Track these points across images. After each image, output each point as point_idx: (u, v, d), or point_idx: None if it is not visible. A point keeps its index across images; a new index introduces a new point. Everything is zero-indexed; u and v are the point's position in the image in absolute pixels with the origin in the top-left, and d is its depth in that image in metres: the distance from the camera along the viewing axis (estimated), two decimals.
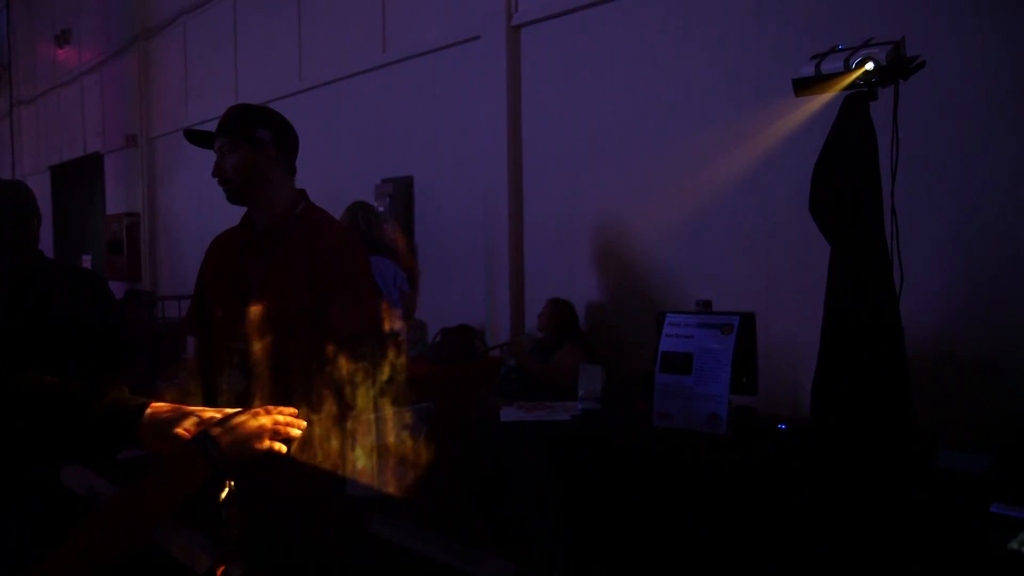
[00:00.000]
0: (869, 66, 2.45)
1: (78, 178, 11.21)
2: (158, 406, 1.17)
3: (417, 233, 5.67)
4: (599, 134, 4.46)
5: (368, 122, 6.05)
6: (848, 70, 2.46)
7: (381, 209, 5.73)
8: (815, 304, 2.80)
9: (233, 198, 2.16)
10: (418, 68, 5.60)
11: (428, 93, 5.55)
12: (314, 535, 1.48)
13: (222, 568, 1.20)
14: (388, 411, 1.47)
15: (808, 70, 2.58)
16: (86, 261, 10.50)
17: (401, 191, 5.68)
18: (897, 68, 2.45)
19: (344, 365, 1.50)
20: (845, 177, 2.57)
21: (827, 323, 2.65)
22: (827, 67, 2.55)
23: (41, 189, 11.71)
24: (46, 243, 10.85)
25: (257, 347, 1.75)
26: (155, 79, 9.19)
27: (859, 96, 2.52)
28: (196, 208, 8.08)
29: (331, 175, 5.98)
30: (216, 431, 1.10)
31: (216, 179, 2.14)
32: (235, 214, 2.25)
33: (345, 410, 1.48)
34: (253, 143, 2.08)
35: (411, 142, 5.70)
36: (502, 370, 4.38)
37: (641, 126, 4.22)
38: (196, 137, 2.19)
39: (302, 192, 2.21)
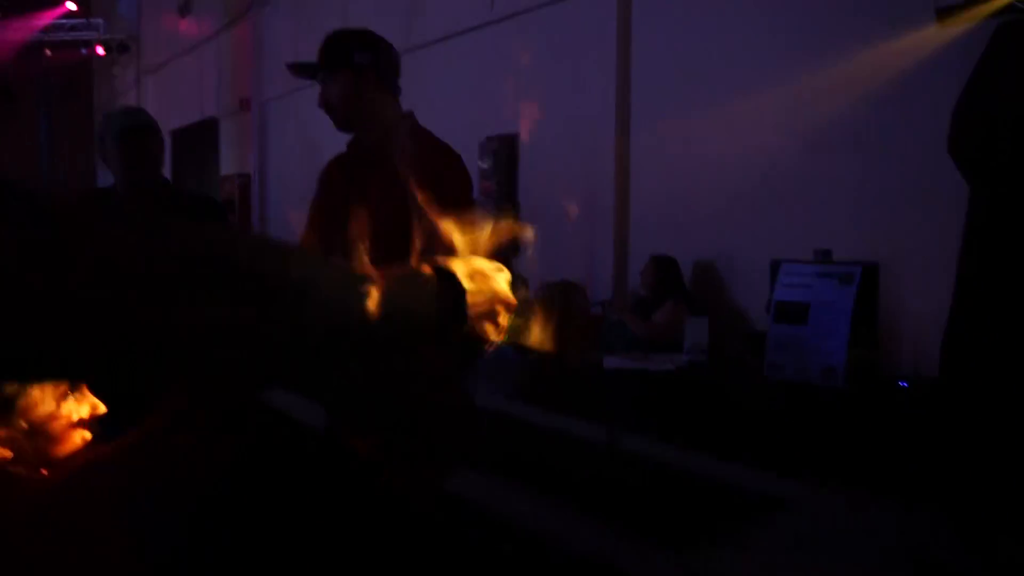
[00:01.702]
0: None
1: (195, 142, 11.79)
2: None
3: (521, 191, 5.67)
4: (710, 88, 4.31)
5: (475, 79, 6.07)
6: None
7: (485, 166, 5.76)
8: (943, 256, 2.62)
9: (342, 125, 2.16)
10: (526, 25, 5.56)
11: (536, 50, 5.50)
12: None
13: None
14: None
15: None
16: None
17: (505, 149, 5.68)
18: None
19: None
20: (996, 115, 2.37)
21: (962, 276, 2.48)
22: None
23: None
24: None
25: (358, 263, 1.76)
26: (268, 45, 9.51)
27: (1015, 24, 2.32)
28: (304, 168, 8.34)
29: (439, 132, 6.02)
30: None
31: (323, 109, 2.14)
32: None
33: None
34: (354, 68, 2.07)
35: (517, 99, 5.68)
36: (604, 325, 4.34)
37: (757, 71, 4.04)
38: (300, 69, 2.21)
39: (410, 113, 2.20)
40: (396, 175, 2.11)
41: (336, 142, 2.29)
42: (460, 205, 2.08)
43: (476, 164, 5.81)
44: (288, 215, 9.11)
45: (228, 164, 10.43)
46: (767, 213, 3.99)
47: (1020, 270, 2.38)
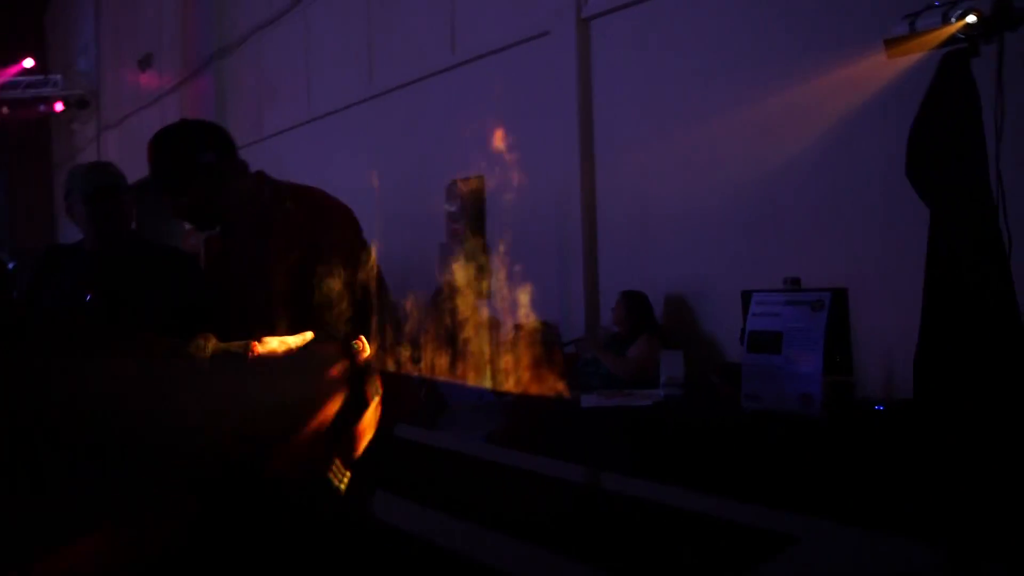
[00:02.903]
0: (970, 19, 2.33)
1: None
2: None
3: (489, 232, 5.68)
4: (672, 123, 4.38)
5: (439, 123, 6.10)
6: (947, 23, 2.34)
7: (452, 209, 5.76)
8: (908, 279, 2.66)
9: (210, 226, 2.03)
10: (488, 67, 5.63)
11: (499, 92, 5.56)
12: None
13: None
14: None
15: (901, 28, 2.47)
16: None
17: (471, 191, 5.70)
18: (1003, 19, 2.32)
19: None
20: (946, 139, 2.44)
21: (929, 294, 2.52)
22: (922, 24, 2.44)
23: None
24: None
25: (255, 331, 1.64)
26: (231, 95, 9.50)
27: (959, 53, 2.40)
28: None
29: (404, 177, 6.04)
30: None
31: (180, 219, 2.04)
32: None
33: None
34: (201, 171, 1.91)
35: (482, 141, 5.71)
36: (578, 363, 4.32)
37: (716, 110, 4.12)
38: (141, 189, 2.11)
39: (260, 175, 2.00)
40: (270, 240, 1.90)
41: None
42: (348, 250, 1.95)
43: (443, 207, 5.81)
44: None
45: None
46: (734, 244, 4.03)
47: (981, 286, 2.42)
